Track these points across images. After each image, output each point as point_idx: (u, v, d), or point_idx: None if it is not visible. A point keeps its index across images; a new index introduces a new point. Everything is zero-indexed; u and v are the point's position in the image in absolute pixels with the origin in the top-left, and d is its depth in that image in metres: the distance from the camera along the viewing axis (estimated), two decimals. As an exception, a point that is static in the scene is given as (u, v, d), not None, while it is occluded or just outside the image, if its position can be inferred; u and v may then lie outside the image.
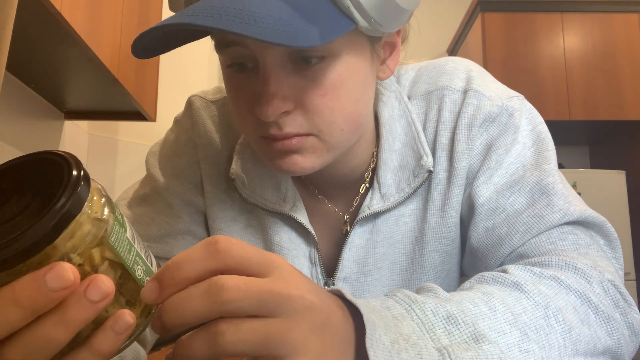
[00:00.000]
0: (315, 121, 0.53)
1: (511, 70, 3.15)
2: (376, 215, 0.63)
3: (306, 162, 0.54)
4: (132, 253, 0.32)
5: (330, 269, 0.67)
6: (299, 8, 0.46)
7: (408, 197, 0.63)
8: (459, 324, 0.40)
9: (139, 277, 0.33)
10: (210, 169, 0.69)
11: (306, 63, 0.51)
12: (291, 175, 0.57)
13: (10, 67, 1.70)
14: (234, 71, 0.55)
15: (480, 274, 0.51)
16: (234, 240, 0.33)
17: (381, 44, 0.58)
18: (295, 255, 0.66)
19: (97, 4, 1.60)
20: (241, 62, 0.53)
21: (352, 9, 0.49)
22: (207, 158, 0.70)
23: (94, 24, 1.58)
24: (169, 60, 2.46)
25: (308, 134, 0.53)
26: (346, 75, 0.53)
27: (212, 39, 0.56)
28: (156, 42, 0.50)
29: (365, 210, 0.63)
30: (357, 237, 0.64)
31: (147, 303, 0.31)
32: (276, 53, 0.51)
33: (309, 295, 0.33)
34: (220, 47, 0.54)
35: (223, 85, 0.73)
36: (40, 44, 1.53)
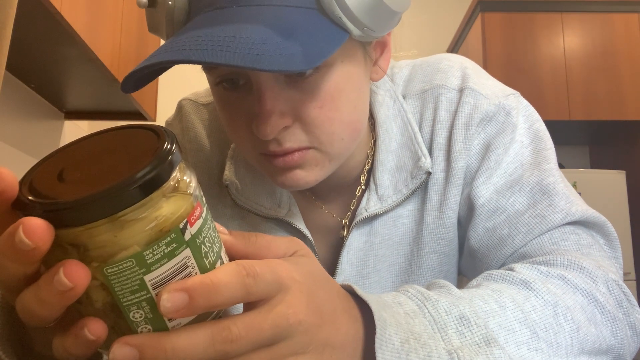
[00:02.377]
0: (315, 134, 0.51)
1: (511, 70, 3.15)
2: (374, 217, 0.63)
3: (309, 175, 0.53)
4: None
5: (328, 273, 0.66)
6: (291, 27, 0.45)
7: (406, 199, 0.62)
8: (472, 325, 0.40)
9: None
10: (200, 175, 0.68)
11: (300, 76, 0.50)
12: (295, 190, 0.55)
13: (10, 67, 1.70)
14: (225, 89, 0.53)
15: (488, 272, 0.50)
16: (258, 268, 0.31)
17: (372, 45, 0.57)
18: None
19: (97, 4, 1.60)
20: (231, 79, 0.52)
21: (345, 19, 0.47)
22: (198, 164, 0.68)
23: (94, 24, 1.58)
24: (169, 60, 2.45)
25: (309, 147, 0.52)
26: (342, 84, 0.52)
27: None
28: (143, 74, 0.48)
29: (362, 213, 0.62)
30: (355, 240, 0.63)
31: (164, 313, 0.28)
32: None
33: (310, 317, 0.33)
34: (208, 68, 0.52)
35: None
36: (40, 44, 1.53)
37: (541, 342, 0.43)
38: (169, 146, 0.29)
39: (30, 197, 0.27)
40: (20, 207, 0.27)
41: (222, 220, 0.67)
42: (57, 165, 0.30)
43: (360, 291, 0.39)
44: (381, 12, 0.49)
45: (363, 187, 0.64)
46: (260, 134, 0.49)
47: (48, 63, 1.68)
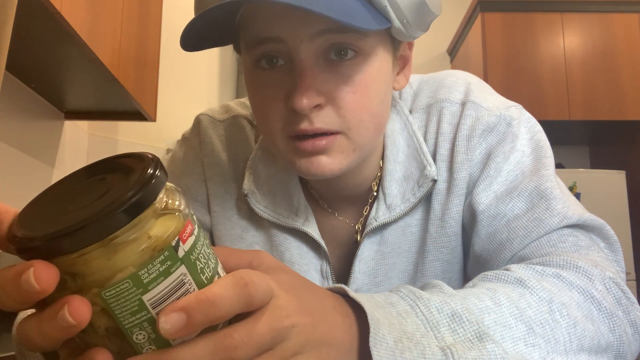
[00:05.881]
0: (346, 118, 0.54)
1: (511, 70, 3.15)
2: (383, 226, 0.65)
3: (334, 163, 0.55)
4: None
5: (341, 281, 0.68)
6: (348, 6, 0.49)
7: (413, 207, 0.64)
8: (464, 322, 0.40)
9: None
10: (216, 188, 0.70)
11: (339, 59, 0.53)
12: (318, 178, 0.57)
13: (10, 67, 1.70)
14: (263, 69, 0.55)
15: (483, 273, 0.51)
16: (254, 276, 0.32)
17: (397, 56, 0.60)
18: (306, 270, 0.66)
19: (97, 4, 1.60)
20: (272, 57, 0.54)
21: (389, 8, 0.52)
22: (214, 177, 0.71)
23: (94, 24, 1.58)
24: (168, 60, 2.46)
25: (337, 132, 0.54)
26: (375, 75, 0.55)
27: (241, 41, 0.57)
28: (198, 33, 0.52)
29: (372, 223, 0.64)
30: (366, 250, 0.65)
31: (164, 336, 0.29)
32: (312, 48, 0.52)
33: (303, 318, 0.34)
34: (252, 45, 0.54)
35: (229, 104, 0.75)
36: (40, 44, 1.53)
37: (538, 338, 0.43)
38: (151, 170, 0.30)
39: (23, 231, 0.28)
40: (13, 242, 0.28)
41: (236, 231, 0.69)
42: (50, 199, 0.31)
43: (352, 292, 0.39)
44: (421, 9, 0.53)
45: (375, 193, 0.66)
46: (297, 105, 0.52)
47: (48, 63, 1.68)
